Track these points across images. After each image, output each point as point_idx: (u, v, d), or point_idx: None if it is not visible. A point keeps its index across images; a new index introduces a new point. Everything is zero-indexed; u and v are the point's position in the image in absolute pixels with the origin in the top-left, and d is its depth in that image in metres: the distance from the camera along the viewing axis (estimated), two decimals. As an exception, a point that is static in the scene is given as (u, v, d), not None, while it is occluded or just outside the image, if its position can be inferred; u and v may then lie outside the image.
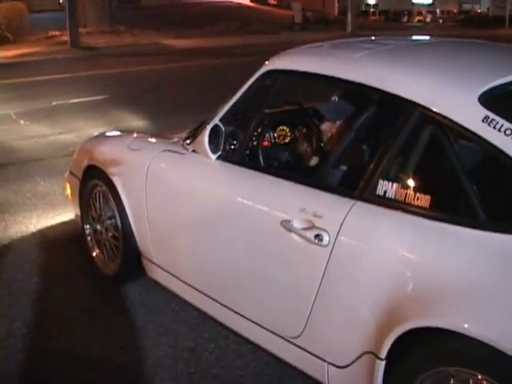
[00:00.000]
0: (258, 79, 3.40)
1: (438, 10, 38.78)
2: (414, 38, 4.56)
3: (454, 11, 38.89)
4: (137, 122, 9.66)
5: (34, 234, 5.33)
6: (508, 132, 2.40)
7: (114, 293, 4.33)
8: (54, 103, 11.31)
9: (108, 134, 5.09)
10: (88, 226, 4.61)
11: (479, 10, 38.18)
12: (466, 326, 2.19)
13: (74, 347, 3.73)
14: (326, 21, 33.78)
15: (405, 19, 38.28)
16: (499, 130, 2.41)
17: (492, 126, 2.44)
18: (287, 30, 29.09)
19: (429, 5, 38.36)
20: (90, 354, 3.66)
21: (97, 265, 4.56)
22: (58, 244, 5.15)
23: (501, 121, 2.43)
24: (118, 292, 4.33)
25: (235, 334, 3.55)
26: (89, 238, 4.62)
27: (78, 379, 3.45)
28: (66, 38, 22.52)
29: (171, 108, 10.53)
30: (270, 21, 32.79)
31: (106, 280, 4.45)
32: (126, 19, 28.26)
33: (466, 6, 38.76)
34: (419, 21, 37.84)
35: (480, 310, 2.22)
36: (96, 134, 5.34)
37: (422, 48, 3.62)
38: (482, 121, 2.46)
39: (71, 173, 4.79)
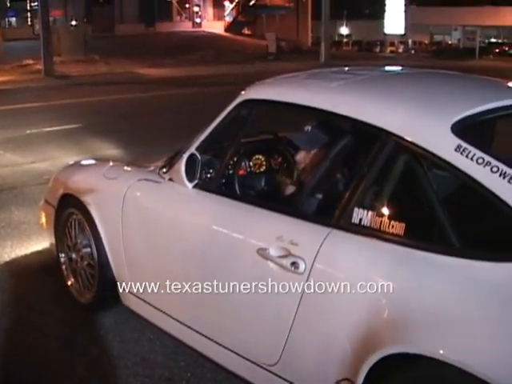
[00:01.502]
0: (234, 108, 3.43)
1: (410, 41, 39.40)
2: (388, 68, 4.63)
3: (426, 42, 39.60)
4: (111, 150, 9.65)
5: (7, 264, 5.28)
6: (480, 161, 2.45)
7: (89, 322, 4.29)
8: (28, 132, 11.29)
9: (83, 162, 5.09)
10: (63, 255, 4.58)
11: (450, 42, 38.89)
12: (441, 352, 2.22)
13: (48, 377, 3.69)
14: (299, 51, 34.17)
15: (377, 49, 38.88)
16: (471, 159, 2.46)
17: (464, 155, 2.49)
18: (261, 60, 29.37)
19: (401, 35, 38.95)
20: (67, 384, 3.63)
21: (72, 294, 4.53)
22: (32, 273, 5.10)
23: (473, 150, 2.49)
24: (93, 321, 4.29)
25: (211, 362, 3.54)
26: (64, 267, 4.58)
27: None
28: (39, 66, 22.57)
29: (146, 137, 10.54)
30: (244, 51, 33.08)
31: (81, 309, 4.42)
32: (101, 48, 28.36)
33: (438, 38, 39.43)
34: (392, 51, 38.43)
35: (455, 335, 2.25)
36: (71, 162, 5.34)
37: (396, 79, 3.69)
38: (455, 150, 2.51)
39: (46, 201, 4.78)
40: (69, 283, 4.55)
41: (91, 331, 4.20)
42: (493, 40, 37.93)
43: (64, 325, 4.30)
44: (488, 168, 2.43)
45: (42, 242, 5.54)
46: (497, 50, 36.57)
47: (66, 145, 10.05)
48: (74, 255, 4.45)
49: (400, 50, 38.07)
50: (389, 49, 38.31)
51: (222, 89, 16.73)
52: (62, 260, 4.59)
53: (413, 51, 38.20)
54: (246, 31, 45.77)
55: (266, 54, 31.54)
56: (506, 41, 39.00)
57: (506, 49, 37.00)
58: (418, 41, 39.89)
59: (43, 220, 4.88)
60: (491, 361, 2.13)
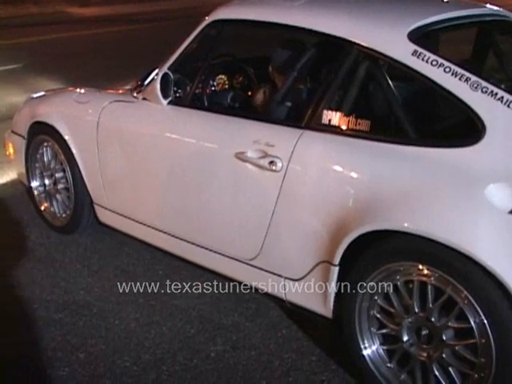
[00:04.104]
0: (203, 29, 3.60)
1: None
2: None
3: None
4: (57, 87, 9.63)
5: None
6: (434, 63, 2.77)
7: (66, 243, 4.53)
8: (-32, 74, 11.18)
9: (51, 91, 5.17)
10: (35, 182, 4.75)
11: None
12: (405, 224, 2.58)
13: (36, 293, 3.91)
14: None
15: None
16: (427, 62, 2.78)
17: (420, 58, 2.80)
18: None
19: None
20: (55, 297, 3.86)
21: (46, 218, 4.74)
22: (1, 204, 5.29)
23: (427, 54, 2.80)
24: (70, 242, 4.54)
25: (189, 267, 3.86)
26: (36, 193, 4.77)
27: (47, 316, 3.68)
28: (-38, 10, 21.88)
29: (85, 75, 10.50)
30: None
31: (56, 232, 4.66)
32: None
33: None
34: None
35: (415, 210, 2.59)
36: (29, 96, 5.36)
37: None
38: (412, 54, 2.83)
39: (14, 132, 4.89)
40: (42, 208, 4.75)
41: (70, 250, 4.43)
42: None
43: (42, 246, 4.51)
44: (441, 69, 2.75)
45: (4, 176, 5.71)
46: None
47: (9, 84, 10.05)
48: (47, 181, 4.65)
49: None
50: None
51: (156, 24, 16.81)
52: (34, 186, 4.76)
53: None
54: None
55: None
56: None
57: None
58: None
59: (11, 151, 4.99)
60: (445, 224, 2.49)
